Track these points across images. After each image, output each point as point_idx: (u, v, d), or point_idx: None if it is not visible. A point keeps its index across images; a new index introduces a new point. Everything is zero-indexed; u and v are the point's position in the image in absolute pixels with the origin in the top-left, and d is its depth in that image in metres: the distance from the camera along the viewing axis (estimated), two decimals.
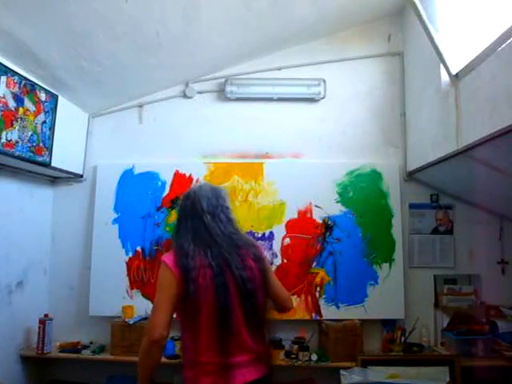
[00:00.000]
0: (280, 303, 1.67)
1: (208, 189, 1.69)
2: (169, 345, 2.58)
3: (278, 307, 1.69)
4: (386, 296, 2.68)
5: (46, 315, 2.61)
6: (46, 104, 2.40)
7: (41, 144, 2.38)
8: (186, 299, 1.51)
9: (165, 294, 1.56)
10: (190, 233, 1.59)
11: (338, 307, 2.69)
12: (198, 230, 1.59)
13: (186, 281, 1.50)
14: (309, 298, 2.70)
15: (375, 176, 2.80)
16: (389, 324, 2.69)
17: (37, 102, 2.32)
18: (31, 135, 2.29)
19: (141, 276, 2.75)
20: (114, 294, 2.72)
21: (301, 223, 2.77)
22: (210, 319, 1.50)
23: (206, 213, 1.60)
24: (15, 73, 2.14)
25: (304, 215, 2.78)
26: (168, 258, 1.58)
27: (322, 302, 2.70)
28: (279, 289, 1.68)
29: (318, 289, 2.72)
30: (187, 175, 2.83)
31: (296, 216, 2.78)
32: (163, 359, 2.53)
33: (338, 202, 2.78)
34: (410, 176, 2.81)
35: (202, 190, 1.67)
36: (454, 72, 2.09)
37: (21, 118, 2.20)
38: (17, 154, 2.18)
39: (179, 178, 2.83)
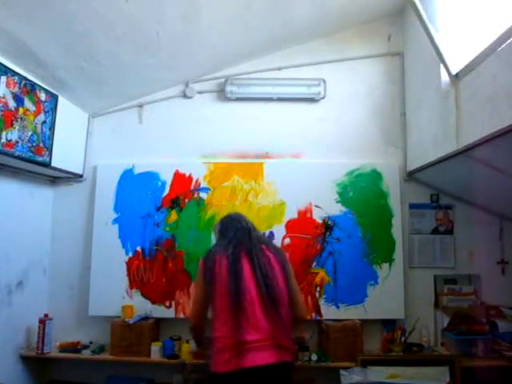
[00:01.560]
0: (294, 307, 1.87)
1: (241, 214, 2.16)
2: (168, 345, 2.59)
3: (292, 312, 1.87)
4: (386, 296, 2.68)
5: (45, 315, 2.61)
6: (46, 104, 2.40)
7: (41, 144, 2.38)
8: (207, 287, 1.83)
9: (196, 289, 1.95)
10: (227, 239, 1.95)
11: (337, 307, 2.69)
12: (239, 237, 1.95)
13: (205, 272, 1.85)
14: (309, 298, 2.70)
15: (375, 176, 2.80)
16: (389, 324, 2.69)
17: (37, 101, 2.32)
18: (31, 135, 2.29)
19: (141, 276, 2.75)
20: (114, 294, 2.72)
21: (301, 223, 2.77)
22: (224, 301, 1.76)
23: (250, 226, 2.01)
24: (15, 73, 2.14)
25: (304, 215, 2.78)
26: (201, 258, 1.97)
27: (321, 302, 2.70)
28: (296, 293, 1.93)
29: (318, 289, 2.72)
30: (187, 175, 2.83)
31: (296, 216, 2.78)
32: (163, 359, 2.55)
33: (337, 201, 2.78)
34: (410, 176, 2.81)
35: (238, 214, 2.15)
36: (454, 72, 2.09)
37: (21, 118, 2.20)
38: (17, 154, 2.18)
39: (179, 178, 2.83)
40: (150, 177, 2.84)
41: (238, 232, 1.97)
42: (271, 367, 1.70)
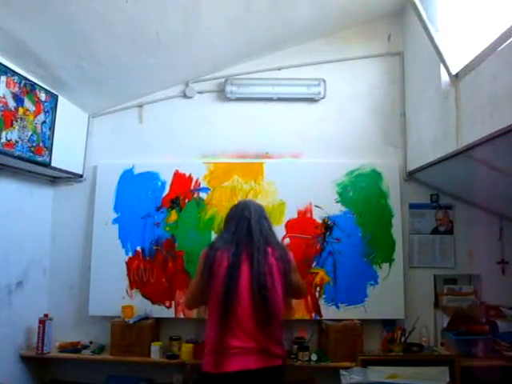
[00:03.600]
0: (294, 295, 2.07)
1: (254, 202, 2.14)
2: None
3: (292, 295, 2.07)
4: (386, 296, 2.68)
5: (45, 315, 2.61)
6: (45, 104, 2.40)
7: (41, 144, 2.38)
8: (204, 283, 1.83)
9: (195, 277, 1.94)
10: (230, 233, 1.91)
11: (337, 307, 2.69)
12: (241, 230, 1.89)
13: (204, 267, 1.84)
14: (309, 298, 2.70)
15: (375, 176, 2.80)
16: (389, 324, 2.69)
17: (37, 101, 2.32)
18: (31, 135, 2.29)
19: (141, 276, 2.75)
20: (114, 294, 2.72)
21: (301, 223, 2.77)
22: (216, 302, 1.77)
23: (252, 217, 1.93)
24: (15, 73, 2.14)
25: (304, 215, 2.78)
26: (204, 249, 1.94)
27: (321, 302, 2.70)
28: (297, 284, 1.99)
29: (318, 289, 2.72)
30: (187, 175, 2.83)
31: (296, 216, 2.78)
32: (163, 359, 2.54)
33: (337, 201, 2.78)
34: (410, 176, 2.81)
35: (250, 201, 2.14)
36: (454, 72, 2.09)
37: (21, 118, 2.20)
38: (17, 153, 2.18)
39: (179, 178, 2.83)
40: (150, 177, 2.84)
41: (239, 225, 1.91)
42: (256, 372, 1.71)
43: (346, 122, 2.90)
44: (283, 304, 1.86)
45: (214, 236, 2.70)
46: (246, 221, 1.91)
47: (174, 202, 2.80)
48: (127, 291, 2.74)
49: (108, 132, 2.97)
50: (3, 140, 2.07)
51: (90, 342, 2.71)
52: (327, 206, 2.77)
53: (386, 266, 2.72)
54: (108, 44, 2.27)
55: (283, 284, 1.85)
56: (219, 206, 2.76)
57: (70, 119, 2.70)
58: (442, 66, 2.15)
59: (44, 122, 2.40)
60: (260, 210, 2.01)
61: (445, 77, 2.18)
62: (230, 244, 1.86)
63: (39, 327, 2.55)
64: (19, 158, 2.22)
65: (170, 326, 2.75)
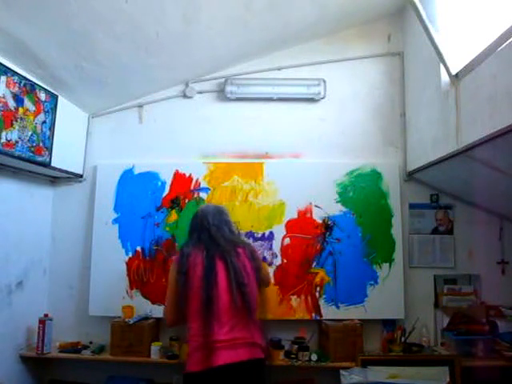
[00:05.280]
0: (264, 286, 2.13)
1: (212, 207, 2.14)
2: None
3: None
4: (386, 296, 2.68)
5: (45, 315, 2.61)
6: (45, 104, 2.40)
7: (41, 144, 2.38)
8: (181, 289, 1.87)
9: (170, 287, 1.97)
10: (196, 241, 1.98)
11: (337, 307, 2.69)
12: (204, 239, 1.96)
13: (179, 274, 1.89)
14: (309, 298, 2.70)
15: (375, 176, 2.80)
16: (389, 324, 2.69)
17: (37, 101, 2.32)
18: (31, 135, 2.29)
19: (141, 276, 2.75)
20: (114, 294, 2.72)
21: (301, 223, 2.77)
22: (197, 304, 1.82)
23: (211, 225, 1.99)
24: (15, 73, 2.14)
25: (304, 215, 2.78)
26: (175, 258, 2.02)
27: (321, 302, 2.70)
28: (266, 278, 2.15)
29: (318, 289, 2.71)
30: (187, 175, 2.83)
31: (296, 216, 2.78)
32: (163, 359, 2.54)
33: (337, 201, 2.78)
34: (410, 176, 2.81)
35: (207, 208, 2.12)
36: (454, 72, 2.09)
37: (21, 118, 2.20)
38: (17, 154, 2.18)
39: (179, 178, 2.83)
40: (150, 177, 2.84)
41: (201, 235, 1.98)
42: (243, 364, 1.77)
43: (346, 122, 2.90)
44: (258, 299, 1.96)
45: None
46: (206, 231, 1.98)
47: (174, 202, 2.80)
48: (127, 291, 2.74)
49: (108, 132, 2.97)
50: (3, 140, 2.07)
51: (90, 342, 2.72)
52: (327, 206, 2.77)
53: (385, 266, 2.72)
54: (108, 44, 2.27)
55: (257, 280, 1.96)
56: None
57: (70, 119, 2.70)
58: (441, 65, 2.15)
59: (44, 121, 2.40)
60: (219, 214, 2.05)
61: (445, 77, 2.18)
62: (199, 249, 1.93)
63: (39, 327, 2.55)
64: (19, 158, 2.22)
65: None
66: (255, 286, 1.93)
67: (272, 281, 2.64)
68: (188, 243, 2.02)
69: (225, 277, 1.86)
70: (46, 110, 2.40)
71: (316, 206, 2.78)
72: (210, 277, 1.84)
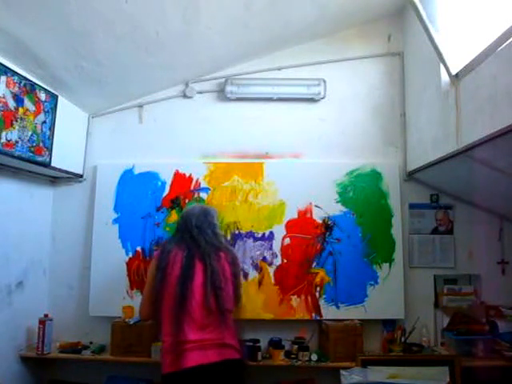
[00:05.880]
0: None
1: (198, 209, 2.14)
2: None
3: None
4: (386, 296, 2.68)
5: (45, 315, 2.61)
6: (45, 104, 2.40)
7: (41, 144, 2.38)
8: (158, 284, 1.89)
9: (148, 281, 1.99)
10: (179, 239, 2.01)
11: (338, 307, 2.69)
12: (186, 239, 1.99)
13: (158, 270, 1.91)
14: (309, 298, 2.70)
15: (375, 176, 2.80)
16: (389, 324, 2.69)
17: (37, 101, 2.32)
18: (31, 135, 2.29)
19: (141, 276, 2.74)
20: (114, 294, 2.72)
21: (301, 223, 2.77)
22: (171, 301, 1.83)
23: (194, 227, 2.01)
24: (15, 73, 2.14)
25: (304, 215, 2.78)
26: (155, 253, 2.07)
27: (322, 302, 2.70)
28: (239, 289, 2.06)
29: (318, 289, 2.72)
30: (187, 175, 2.83)
31: (296, 216, 2.78)
32: None
33: (337, 201, 2.78)
34: (410, 176, 2.81)
35: (193, 209, 2.13)
36: (454, 72, 2.09)
37: (21, 118, 2.19)
38: (17, 154, 2.18)
39: (179, 178, 2.83)
40: (150, 177, 2.84)
41: (184, 236, 2.01)
42: (216, 366, 1.76)
43: (346, 122, 2.90)
44: (234, 303, 1.97)
45: None
46: (188, 233, 2.01)
47: (174, 202, 2.80)
48: (127, 291, 2.74)
49: (108, 132, 2.96)
50: (3, 140, 2.07)
51: (90, 343, 2.71)
52: (327, 206, 2.77)
53: (385, 266, 2.72)
54: (108, 44, 2.27)
55: (234, 285, 1.97)
56: (219, 206, 2.75)
57: (69, 119, 2.70)
58: (441, 66, 2.16)
59: (44, 122, 2.40)
60: (203, 216, 2.06)
61: (445, 77, 2.19)
62: (181, 248, 1.95)
63: (39, 327, 2.54)
64: (19, 158, 2.22)
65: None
66: (232, 291, 1.94)
67: (272, 281, 2.72)
68: (171, 240, 2.07)
69: (201, 278, 1.88)
70: (45, 110, 2.40)
71: (316, 206, 2.78)
72: (186, 276, 1.86)
